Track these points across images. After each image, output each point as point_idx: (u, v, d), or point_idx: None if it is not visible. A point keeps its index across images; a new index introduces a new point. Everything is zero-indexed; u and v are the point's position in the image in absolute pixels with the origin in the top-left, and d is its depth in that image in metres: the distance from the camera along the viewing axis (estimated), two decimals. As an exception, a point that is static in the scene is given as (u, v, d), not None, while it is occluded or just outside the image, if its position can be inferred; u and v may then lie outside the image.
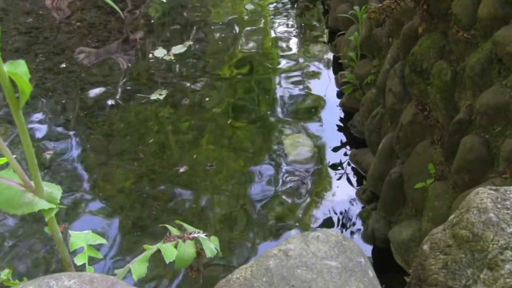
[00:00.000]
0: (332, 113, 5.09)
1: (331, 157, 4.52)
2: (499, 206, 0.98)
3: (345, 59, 5.39)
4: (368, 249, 3.73)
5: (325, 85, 5.51)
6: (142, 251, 1.20)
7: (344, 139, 4.77)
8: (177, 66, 5.85)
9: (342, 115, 5.07)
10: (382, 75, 4.17)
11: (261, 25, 6.78)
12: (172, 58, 5.95)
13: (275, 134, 4.76)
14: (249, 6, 7.30)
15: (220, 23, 6.88)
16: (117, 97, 5.35)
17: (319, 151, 4.57)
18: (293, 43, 6.36)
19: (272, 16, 7.03)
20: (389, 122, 4.03)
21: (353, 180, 4.33)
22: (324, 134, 4.77)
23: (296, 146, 4.60)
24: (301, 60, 5.96)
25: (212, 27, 6.77)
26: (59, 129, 4.91)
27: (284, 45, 6.32)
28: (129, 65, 5.94)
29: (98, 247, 1.24)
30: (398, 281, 3.11)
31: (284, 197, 4.10)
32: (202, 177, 4.31)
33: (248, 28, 6.72)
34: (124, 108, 5.18)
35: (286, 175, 4.31)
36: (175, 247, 1.13)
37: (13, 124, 4.88)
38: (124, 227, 3.88)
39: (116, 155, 4.55)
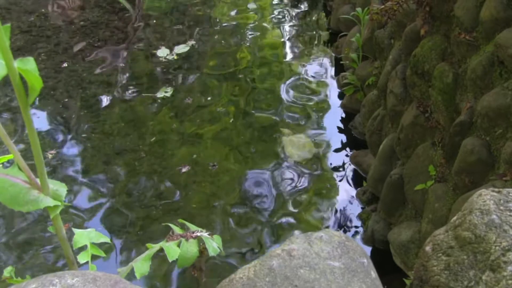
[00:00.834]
0: (333, 114, 5.10)
1: (332, 158, 4.53)
2: (501, 208, 0.98)
3: (346, 61, 5.40)
4: (367, 250, 3.73)
5: (326, 86, 5.51)
6: (144, 250, 1.21)
7: (345, 140, 4.78)
8: (180, 65, 5.85)
9: (343, 116, 5.08)
10: (384, 76, 4.17)
11: (263, 26, 6.78)
12: (176, 57, 5.96)
13: (276, 134, 4.76)
14: (252, 6, 7.31)
15: (223, 23, 6.88)
16: (119, 96, 5.36)
17: (320, 151, 4.58)
18: (295, 43, 6.36)
19: (274, 17, 7.03)
20: (390, 124, 4.03)
21: (353, 181, 4.33)
22: (325, 135, 4.77)
23: (297, 147, 4.61)
24: (302, 61, 5.97)
25: (215, 27, 6.77)
26: (60, 128, 4.91)
27: (285, 45, 6.33)
28: (131, 64, 5.94)
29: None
30: (398, 282, 3.12)
31: (284, 197, 4.10)
32: (204, 177, 4.31)
33: (250, 28, 6.72)
34: (125, 107, 5.18)
35: (286, 175, 4.31)
36: (178, 246, 1.13)
37: (13, 123, 4.89)
38: (125, 226, 3.88)
39: (117, 154, 4.55)
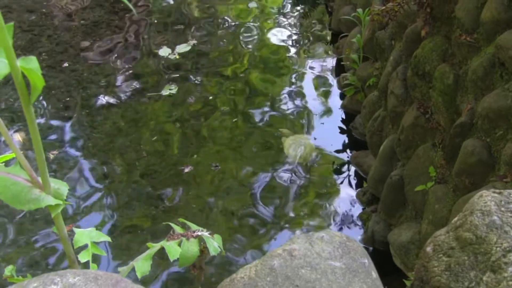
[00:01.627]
0: (334, 114, 5.10)
1: (332, 159, 4.53)
2: (502, 209, 0.98)
3: (347, 61, 5.40)
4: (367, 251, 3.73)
5: (327, 86, 5.52)
6: (144, 250, 1.21)
7: (345, 141, 4.78)
8: (182, 64, 5.86)
9: (344, 117, 5.08)
10: (384, 77, 4.17)
11: (264, 26, 6.78)
12: (177, 57, 5.96)
13: (276, 134, 4.76)
14: (252, 4, 7.32)
15: (224, 22, 6.88)
16: (120, 95, 5.36)
17: (320, 152, 4.58)
18: (296, 44, 6.36)
19: (275, 17, 7.03)
20: (390, 125, 4.03)
21: (354, 182, 4.34)
22: (326, 136, 4.77)
23: (297, 147, 4.61)
24: (303, 61, 5.97)
25: (216, 26, 6.77)
26: (61, 127, 4.91)
27: (286, 46, 6.32)
28: (132, 64, 5.94)
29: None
30: (398, 283, 3.11)
31: (284, 197, 4.10)
32: (206, 177, 4.31)
33: (251, 28, 6.72)
34: (126, 107, 5.18)
35: (286, 176, 4.31)
36: (179, 245, 1.13)
37: (13, 122, 4.89)
38: (126, 225, 3.88)
39: (118, 154, 4.55)
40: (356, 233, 3.89)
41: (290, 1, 7.43)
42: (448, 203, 3.04)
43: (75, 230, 1.19)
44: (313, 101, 5.27)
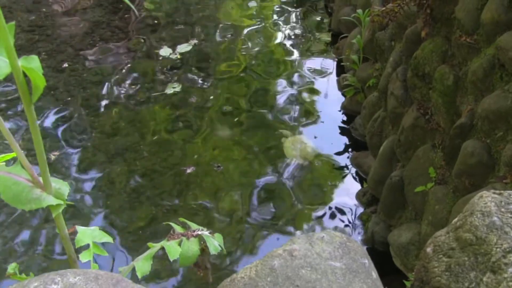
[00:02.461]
0: (334, 115, 5.10)
1: (332, 159, 4.53)
2: (503, 210, 0.98)
3: (347, 62, 5.40)
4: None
5: (327, 87, 5.51)
6: (145, 249, 1.21)
7: (345, 142, 4.78)
8: (184, 64, 5.86)
9: (344, 117, 5.08)
10: (384, 78, 4.18)
11: (265, 26, 6.79)
12: (179, 56, 5.96)
13: (276, 136, 4.77)
14: (252, 4, 7.33)
15: (224, 22, 6.89)
16: (120, 95, 5.36)
17: (320, 153, 4.58)
18: (296, 44, 6.37)
19: (275, 17, 7.03)
20: (390, 126, 4.03)
21: (354, 182, 4.34)
22: (326, 136, 4.78)
23: (297, 148, 4.61)
24: (303, 62, 5.97)
25: (216, 26, 6.77)
26: (61, 127, 4.91)
27: (286, 46, 6.33)
28: (133, 63, 5.94)
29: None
30: (397, 283, 3.12)
31: (284, 198, 4.11)
32: (207, 177, 4.31)
33: (252, 28, 6.72)
34: (126, 106, 5.18)
35: (286, 176, 4.31)
36: (179, 244, 1.13)
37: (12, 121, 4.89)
38: (126, 225, 3.88)
39: (118, 154, 4.55)
40: (356, 233, 3.89)
41: (291, 2, 7.44)
42: (448, 204, 3.04)
43: (78, 228, 1.19)
44: (313, 102, 5.27)
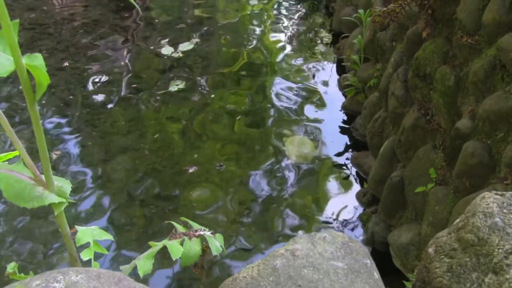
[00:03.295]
0: (334, 115, 5.10)
1: (333, 159, 4.53)
2: (505, 211, 0.98)
3: (348, 62, 5.40)
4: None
5: (327, 87, 5.52)
6: (144, 248, 1.21)
7: (346, 142, 4.78)
8: (186, 63, 5.86)
9: (344, 117, 5.08)
10: (385, 78, 4.18)
11: (266, 25, 6.79)
12: (181, 55, 5.97)
13: (277, 135, 4.77)
14: (253, 2, 7.33)
15: (226, 21, 6.89)
16: (121, 94, 5.36)
17: (321, 153, 4.58)
18: (297, 44, 6.37)
19: (276, 17, 7.04)
20: (391, 126, 4.03)
21: (354, 182, 4.34)
22: (326, 136, 4.78)
23: (298, 148, 4.61)
24: (304, 62, 5.97)
25: (218, 24, 6.78)
26: (61, 126, 4.91)
27: (287, 46, 6.33)
28: (134, 62, 5.94)
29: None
30: (397, 284, 3.11)
31: (284, 197, 4.11)
32: (209, 176, 4.31)
33: (252, 27, 6.73)
34: (127, 105, 5.18)
35: (287, 176, 4.31)
36: (181, 244, 1.13)
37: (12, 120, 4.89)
38: (127, 223, 3.88)
39: (119, 153, 4.55)
40: (356, 234, 3.89)
41: (292, 1, 7.44)
42: (448, 204, 3.04)
43: (78, 228, 1.19)
44: (314, 102, 5.27)
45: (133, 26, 6.66)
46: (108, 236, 1.22)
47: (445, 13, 3.32)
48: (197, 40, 6.28)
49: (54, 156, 4.46)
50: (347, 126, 4.94)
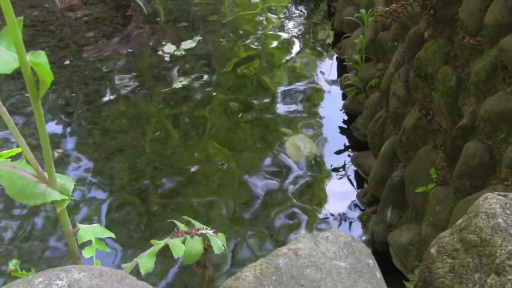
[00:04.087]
0: (335, 115, 5.10)
1: (333, 159, 4.53)
2: (507, 212, 0.98)
3: (349, 62, 5.40)
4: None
5: (328, 87, 5.52)
6: (144, 247, 1.21)
7: (346, 142, 4.78)
8: (188, 61, 5.86)
9: (345, 117, 5.08)
10: (386, 78, 4.17)
11: (267, 24, 6.79)
12: (183, 53, 5.97)
13: (278, 134, 4.77)
14: (255, 0, 7.34)
15: (228, 19, 6.89)
16: (122, 92, 5.35)
17: (321, 152, 4.58)
18: (298, 43, 6.37)
19: (277, 16, 7.04)
20: (392, 126, 4.03)
21: (354, 182, 4.34)
22: (327, 136, 4.78)
23: (298, 147, 4.61)
24: (305, 61, 5.97)
25: (220, 23, 6.78)
26: (62, 123, 4.91)
27: (289, 45, 6.33)
28: (135, 59, 5.94)
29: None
30: (397, 284, 3.11)
31: (284, 198, 4.10)
32: (211, 175, 4.31)
33: (254, 26, 6.73)
34: (128, 103, 5.18)
35: (287, 176, 4.31)
36: (183, 242, 1.13)
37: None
38: (127, 223, 3.88)
39: (119, 151, 4.55)
40: (356, 233, 3.89)
41: (294, 0, 7.44)
42: (448, 205, 3.04)
43: (80, 226, 1.19)
44: (315, 101, 5.27)
45: (135, 24, 6.66)
46: (110, 234, 1.22)
47: (447, 14, 3.32)
48: (200, 38, 6.28)
49: (56, 155, 4.46)
50: (347, 126, 4.94)
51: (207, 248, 1.16)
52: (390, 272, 3.47)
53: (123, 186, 4.19)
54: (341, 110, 5.17)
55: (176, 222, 1.20)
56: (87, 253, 1.16)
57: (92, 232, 1.20)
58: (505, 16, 2.74)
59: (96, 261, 1.17)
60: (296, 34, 6.59)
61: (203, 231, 1.15)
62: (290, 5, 7.34)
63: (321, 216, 3.99)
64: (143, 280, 0.98)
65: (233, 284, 1.00)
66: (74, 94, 5.28)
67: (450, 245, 1.03)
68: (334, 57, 6.04)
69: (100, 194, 4.13)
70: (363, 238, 3.84)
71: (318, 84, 5.56)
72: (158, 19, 6.82)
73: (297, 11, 7.17)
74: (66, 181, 1.01)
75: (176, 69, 5.71)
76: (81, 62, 5.80)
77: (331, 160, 4.52)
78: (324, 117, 5.03)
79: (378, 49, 4.62)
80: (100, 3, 7.03)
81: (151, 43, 6.24)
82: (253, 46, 6.26)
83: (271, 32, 6.62)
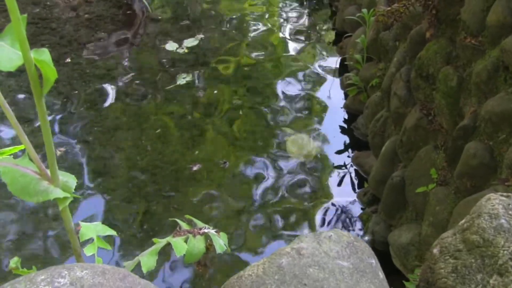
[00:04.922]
0: (336, 114, 5.09)
1: (334, 159, 4.53)
2: (510, 212, 0.98)
3: (351, 61, 5.39)
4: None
5: (329, 86, 5.51)
6: (146, 246, 1.21)
7: (347, 141, 4.78)
8: (190, 58, 5.86)
9: (346, 117, 5.08)
10: (388, 78, 4.17)
11: (269, 22, 6.79)
12: (186, 51, 5.97)
13: (279, 133, 4.76)
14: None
15: (230, 18, 6.89)
16: (123, 90, 5.35)
17: (322, 152, 4.58)
18: (300, 43, 6.36)
19: (279, 15, 7.03)
20: (392, 126, 4.03)
21: (355, 182, 4.34)
22: (327, 136, 4.77)
23: (299, 147, 4.61)
24: (306, 60, 5.97)
25: (222, 21, 6.77)
26: (63, 121, 4.91)
27: (290, 44, 6.32)
28: (136, 57, 5.94)
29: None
30: (397, 284, 3.12)
31: (285, 197, 4.10)
32: (213, 174, 4.31)
33: (256, 25, 6.72)
34: (130, 101, 5.18)
35: (288, 175, 4.31)
36: (185, 241, 1.13)
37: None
38: (128, 221, 3.88)
39: (120, 149, 4.55)
40: (356, 233, 3.89)
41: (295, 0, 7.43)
42: (449, 205, 3.05)
43: (81, 224, 1.19)
44: (316, 100, 5.27)
45: (136, 22, 6.65)
46: (112, 232, 1.22)
47: (449, 14, 3.32)
48: (202, 36, 6.28)
49: (58, 153, 4.46)
50: (348, 125, 4.94)
51: (209, 247, 1.16)
52: (390, 272, 3.47)
53: (123, 184, 4.18)
54: (342, 109, 5.17)
55: (179, 221, 1.20)
56: (89, 250, 1.16)
57: (93, 230, 1.20)
58: (507, 17, 2.74)
59: (98, 259, 1.17)
60: (297, 33, 6.58)
61: (205, 230, 1.15)
62: (292, 4, 7.33)
63: (321, 215, 3.99)
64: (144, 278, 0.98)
65: (236, 283, 1.00)
66: (75, 92, 5.28)
67: (452, 246, 1.03)
68: (335, 57, 6.03)
69: (101, 193, 4.13)
70: (366, 238, 3.84)
71: (319, 83, 5.55)
72: (160, 17, 6.81)
73: (299, 10, 7.17)
74: (69, 178, 1.01)
75: (177, 66, 5.70)
76: (82, 60, 5.79)
77: (331, 159, 4.52)
78: (325, 116, 5.03)
79: (379, 48, 4.62)
80: (102, 1, 7.02)
81: (153, 41, 6.24)
82: (254, 44, 6.26)
83: (272, 31, 6.62)
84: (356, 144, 4.71)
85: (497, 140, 2.75)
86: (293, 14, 7.06)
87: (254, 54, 6.05)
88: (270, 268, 1.00)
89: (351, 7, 5.91)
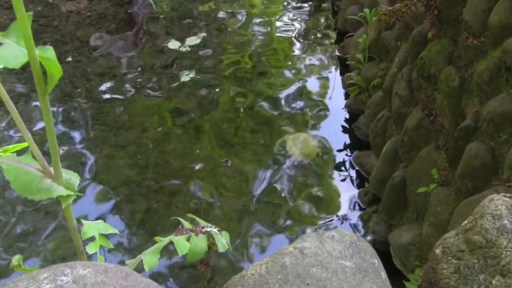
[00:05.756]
0: (337, 114, 5.09)
1: (334, 158, 4.53)
2: (513, 213, 0.98)
3: (352, 61, 5.39)
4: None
5: (331, 86, 5.51)
6: (145, 245, 1.21)
7: (348, 141, 4.77)
8: (193, 57, 5.86)
9: (347, 116, 5.07)
10: (389, 78, 4.17)
11: (270, 22, 6.79)
12: (188, 49, 5.97)
13: (280, 133, 4.76)
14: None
15: (232, 17, 6.89)
16: (125, 88, 5.35)
17: (323, 151, 4.58)
18: (301, 42, 6.36)
19: (281, 14, 7.03)
20: (394, 126, 4.03)
21: (355, 182, 4.34)
22: (328, 135, 4.77)
23: (300, 146, 4.61)
24: (308, 60, 5.96)
25: (225, 20, 6.78)
26: (64, 119, 4.91)
27: (292, 43, 6.32)
28: (138, 56, 5.94)
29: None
30: (397, 283, 3.12)
31: (286, 196, 4.11)
32: (215, 172, 4.30)
33: (257, 24, 6.72)
34: (131, 99, 5.18)
35: (289, 174, 4.31)
36: (187, 240, 1.13)
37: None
38: (128, 220, 3.88)
39: (121, 147, 4.55)
40: (357, 233, 3.89)
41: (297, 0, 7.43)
42: (450, 205, 3.04)
43: (83, 222, 1.19)
44: (317, 100, 5.27)
45: (139, 20, 6.65)
46: (114, 230, 1.22)
47: (451, 14, 3.32)
48: (204, 34, 6.28)
49: (61, 152, 4.46)
50: (349, 125, 4.94)
51: (211, 246, 1.16)
52: (390, 272, 3.46)
53: (125, 182, 4.19)
54: (343, 109, 5.17)
55: (181, 219, 1.20)
56: (91, 249, 1.16)
57: (96, 228, 1.20)
58: (509, 17, 2.74)
59: (100, 258, 1.17)
60: (299, 33, 6.58)
61: (208, 229, 1.15)
62: (294, 3, 7.33)
63: (322, 215, 3.99)
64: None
65: (239, 282, 1.00)
66: (76, 90, 5.28)
67: (455, 246, 1.03)
68: (337, 56, 6.03)
69: (102, 190, 4.13)
70: (367, 238, 3.84)
71: (320, 83, 5.55)
72: (162, 16, 6.81)
73: (300, 10, 7.16)
74: (72, 176, 1.01)
75: (180, 65, 5.70)
76: (84, 58, 5.79)
77: (332, 159, 4.51)
78: (326, 116, 5.03)
79: (381, 48, 4.62)
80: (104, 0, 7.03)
81: (155, 40, 6.24)
82: (256, 43, 6.26)
83: (274, 30, 6.62)
84: (357, 143, 4.71)
85: (498, 141, 2.75)
86: (295, 14, 7.06)
87: (256, 53, 6.05)
88: (273, 268, 1.00)
89: (353, 6, 5.90)
